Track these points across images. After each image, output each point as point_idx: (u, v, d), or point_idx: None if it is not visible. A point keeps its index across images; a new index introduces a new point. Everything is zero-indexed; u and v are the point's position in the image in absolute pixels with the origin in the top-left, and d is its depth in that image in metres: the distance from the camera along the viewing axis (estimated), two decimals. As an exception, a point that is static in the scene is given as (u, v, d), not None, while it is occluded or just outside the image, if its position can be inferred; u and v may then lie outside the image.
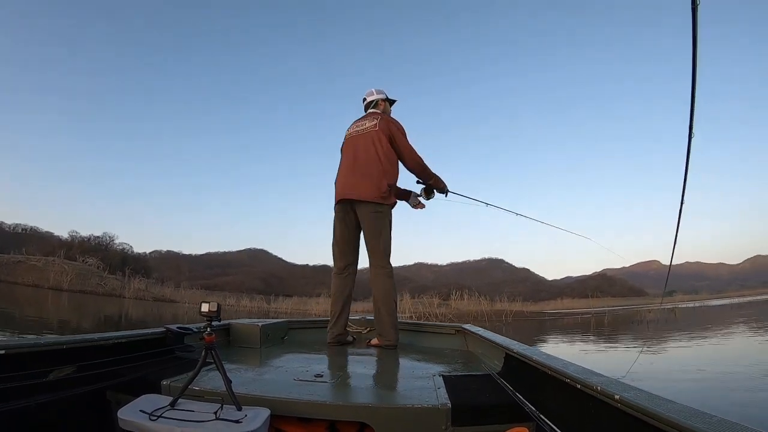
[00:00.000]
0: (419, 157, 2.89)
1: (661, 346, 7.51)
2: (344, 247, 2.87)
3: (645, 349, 7.09)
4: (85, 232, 53.35)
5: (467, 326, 2.77)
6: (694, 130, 2.35)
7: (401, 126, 2.92)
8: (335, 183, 2.94)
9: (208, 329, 1.33)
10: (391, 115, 3.09)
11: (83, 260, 31.33)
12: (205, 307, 1.36)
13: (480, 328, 2.61)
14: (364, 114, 3.09)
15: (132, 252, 57.68)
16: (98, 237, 53.29)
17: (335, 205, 2.89)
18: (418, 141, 2.92)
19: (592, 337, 8.75)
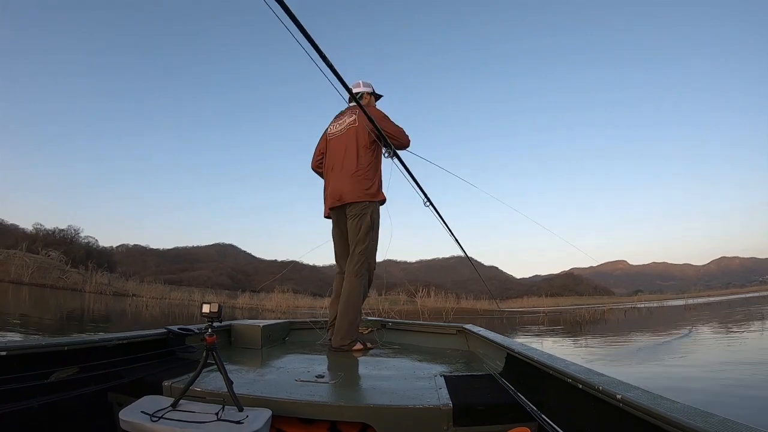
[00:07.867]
0: (407, 136, 2.83)
1: (587, 341, 7.87)
2: (341, 248, 2.84)
3: (566, 343, 7.43)
4: (50, 225, 50.66)
5: (468, 326, 2.76)
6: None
7: (381, 112, 2.81)
8: (324, 191, 2.89)
9: (210, 330, 1.33)
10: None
11: (46, 253, 30.03)
12: (206, 308, 1.36)
13: (481, 328, 2.59)
14: (345, 108, 2.96)
15: (97, 246, 55.06)
16: (63, 230, 50.62)
17: (329, 212, 2.83)
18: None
19: (534, 335, 8.95)
